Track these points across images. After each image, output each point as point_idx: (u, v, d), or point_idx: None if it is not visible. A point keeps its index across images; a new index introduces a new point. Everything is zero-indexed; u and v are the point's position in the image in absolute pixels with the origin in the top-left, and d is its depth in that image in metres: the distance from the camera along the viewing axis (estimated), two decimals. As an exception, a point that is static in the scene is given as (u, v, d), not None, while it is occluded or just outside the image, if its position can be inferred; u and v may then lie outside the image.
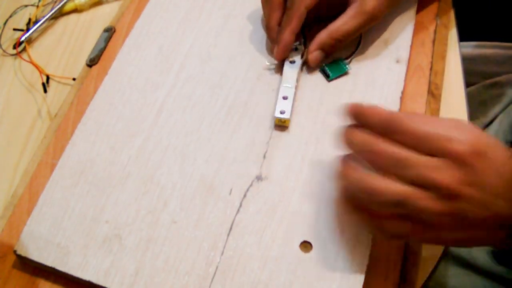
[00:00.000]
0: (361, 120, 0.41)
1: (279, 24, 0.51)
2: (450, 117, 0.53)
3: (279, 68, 0.52)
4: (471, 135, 0.38)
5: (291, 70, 0.51)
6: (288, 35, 0.50)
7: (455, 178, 0.37)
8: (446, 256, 0.45)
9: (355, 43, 0.54)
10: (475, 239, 0.41)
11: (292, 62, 0.52)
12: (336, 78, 0.52)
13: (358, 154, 0.40)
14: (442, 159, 0.37)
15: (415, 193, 0.38)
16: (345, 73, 0.52)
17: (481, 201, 0.38)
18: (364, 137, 0.40)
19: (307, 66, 0.53)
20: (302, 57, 0.52)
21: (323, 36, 0.50)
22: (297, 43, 0.53)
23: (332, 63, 0.52)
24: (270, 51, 0.54)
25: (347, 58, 0.53)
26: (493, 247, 0.41)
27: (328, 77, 0.52)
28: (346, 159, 0.42)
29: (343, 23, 0.50)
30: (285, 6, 0.51)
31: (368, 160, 0.40)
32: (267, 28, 0.53)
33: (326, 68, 0.52)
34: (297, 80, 0.51)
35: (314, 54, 0.51)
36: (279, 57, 0.52)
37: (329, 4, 0.53)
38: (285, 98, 0.49)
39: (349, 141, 0.41)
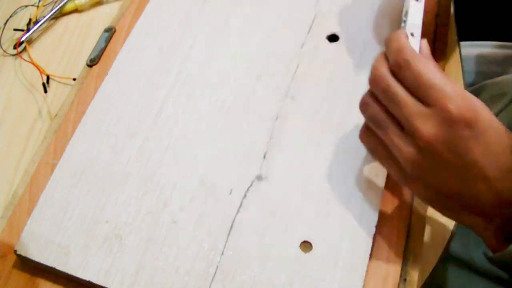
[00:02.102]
0: (385, 44, 0.41)
1: None
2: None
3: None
4: (470, 104, 0.38)
5: (417, 5, 0.45)
6: None
7: (434, 133, 0.37)
8: (445, 257, 0.45)
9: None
10: (451, 209, 0.40)
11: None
12: None
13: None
14: (432, 111, 0.37)
15: (393, 127, 0.39)
16: None
17: (459, 174, 0.38)
18: (377, 60, 0.41)
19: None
20: None
21: None
22: None
23: None
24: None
25: None
26: (486, 244, 0.41)
27: None
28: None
29: None
30: None
31: (372, 89, 0.41)
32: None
33: None
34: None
35: None
36: None
37: None
38: (412, 34, 0.43)
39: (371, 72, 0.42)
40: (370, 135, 0.42)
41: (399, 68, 0.39)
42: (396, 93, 0.39)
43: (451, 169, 0.38)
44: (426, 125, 0.37)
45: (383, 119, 0.40)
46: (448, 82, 0.38)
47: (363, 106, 0.42)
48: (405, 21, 0.45)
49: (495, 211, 0.38)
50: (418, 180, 0.40)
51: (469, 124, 0.37)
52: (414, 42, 0.42)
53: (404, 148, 0.39)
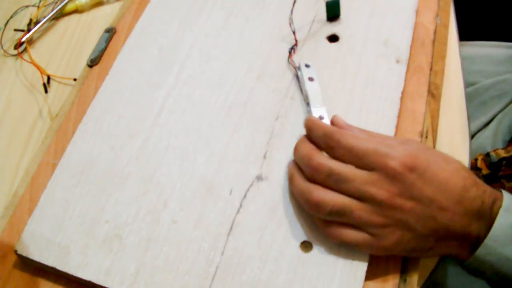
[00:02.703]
0: (308, 133, 0.44)
1: None
2: (449, 117, 0.53)
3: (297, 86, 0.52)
4: (406, 152, 0.40)
5: (313, 88, 0.50)
6: None
7: (389, 191, 0.40)
8: (445, 256, 0.45)
9: None
10: (428, 249, 0.42)
11: (311, 79, 0.50)
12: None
13: (302, 167, 0.43)
14: (377, 173, 0.40)
15: (355, 204, 0.40)
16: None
17: (425, 213, 0.40)
18: (306, 150, 0.43)
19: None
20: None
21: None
22: (306, 63, 0.51)
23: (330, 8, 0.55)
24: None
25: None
26: (454, 258, 0.44)
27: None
28: (294, 166, 0.44)
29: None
30: None
31: (307, 174, 0.42)
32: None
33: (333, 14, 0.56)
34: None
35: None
36: None
37: None
38: (321, 117, 0.47)
39: (296, 153, 0.44)
40: (334, 226, 0.42)
41: (332, 149, 0.42)
42: (340, 172, 0.41)
43: (417, 214, 0.40)
44: (378, 188, 0.40)
45: (343, 205, 0.41)
46: (377, 142, 0.41)
47: (319, 206, 0.41)
48: (308, 104, 0.49)
49: (466, 230, 0.41)
50: (395, 241, 0.41)
51: (411, 168, 0.40)
52: (327, 123, 0.46)
53: (374, 218, 0.40)
